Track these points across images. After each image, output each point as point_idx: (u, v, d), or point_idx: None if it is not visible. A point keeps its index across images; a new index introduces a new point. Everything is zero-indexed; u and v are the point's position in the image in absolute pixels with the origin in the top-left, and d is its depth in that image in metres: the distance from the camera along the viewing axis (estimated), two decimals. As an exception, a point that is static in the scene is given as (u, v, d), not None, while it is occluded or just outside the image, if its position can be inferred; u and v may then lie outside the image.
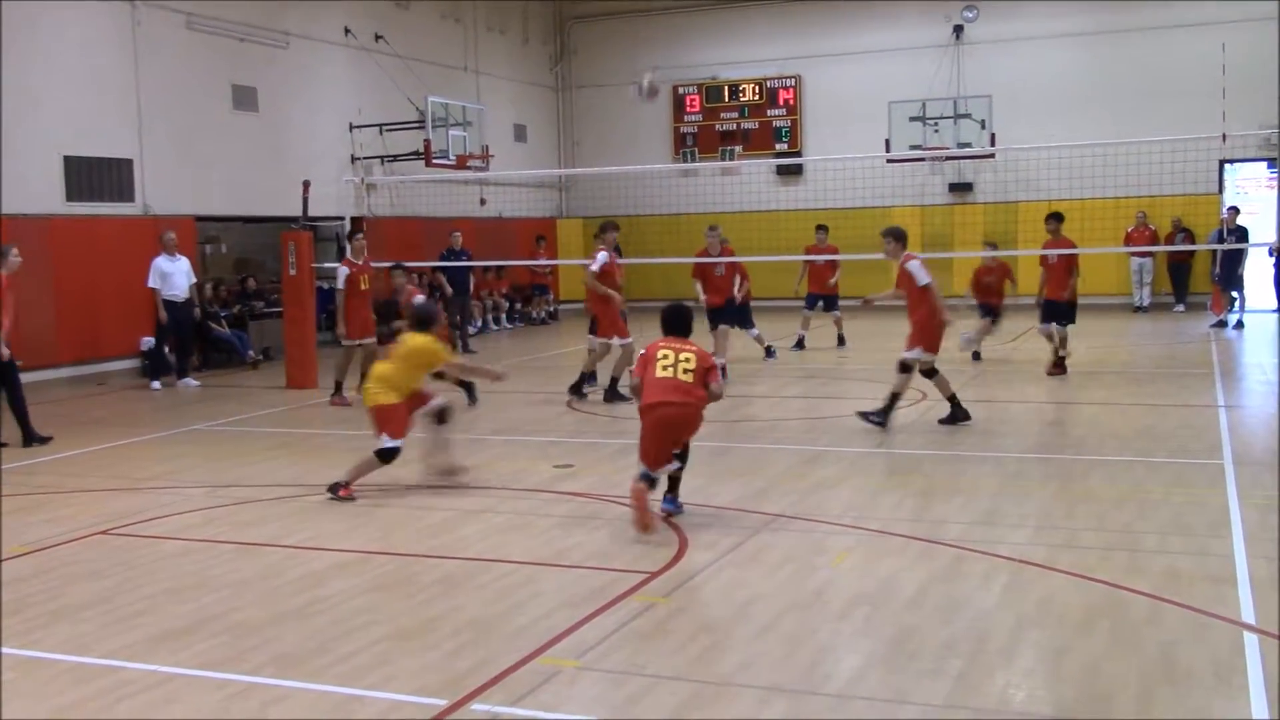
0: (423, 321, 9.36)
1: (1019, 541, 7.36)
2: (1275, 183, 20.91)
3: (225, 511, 8.73)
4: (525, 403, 14.25)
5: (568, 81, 30.10)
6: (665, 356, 7.93)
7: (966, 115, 23.93)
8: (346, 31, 22.54)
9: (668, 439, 7.87)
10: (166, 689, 5.26)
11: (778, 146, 28.02)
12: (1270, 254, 22.30)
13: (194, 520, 8.47)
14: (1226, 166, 24.53)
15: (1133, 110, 24.37)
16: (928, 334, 11.24)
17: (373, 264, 14.98)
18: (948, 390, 11.46)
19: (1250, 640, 5.55)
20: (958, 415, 11.40)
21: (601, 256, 13.61)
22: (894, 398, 11.22)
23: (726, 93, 28.43)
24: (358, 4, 22.83)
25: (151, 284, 16.28)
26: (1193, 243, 22.90)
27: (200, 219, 19.74)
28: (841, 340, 18.82)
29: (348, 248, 14.96)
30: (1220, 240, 20.77)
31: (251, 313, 19.67)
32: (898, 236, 11.45)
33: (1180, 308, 23.65)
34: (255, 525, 8.31)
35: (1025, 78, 25.58)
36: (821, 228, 19.27)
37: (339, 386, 14.24)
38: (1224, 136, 14.47)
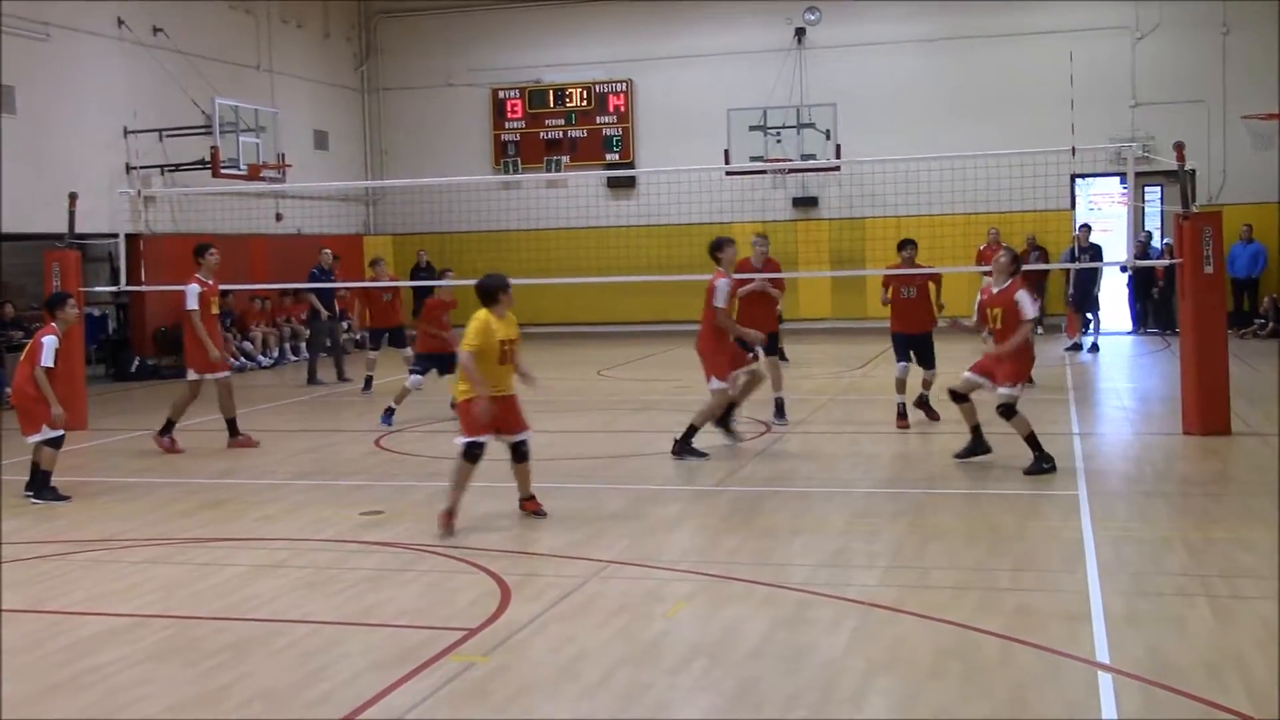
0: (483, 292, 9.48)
1: (867, 583, 7.59)
2: (1127, 198, 21.95)
3: (-23, 573, 8.37)
4: (329, 442, 14.05)
5: (374, 83, 29.85)
6: None
7: (810, 125, 24.54)
8: (119, 23, 21.94)
9: None
10: (-95, 781, 5.03)
11: (608, 157, 28.27)
12: (1123, 271, 23.47)
13: (-61, 584, 8.10)
14: (1079, 181, 25.75)
15: (983, 121, 25.37)
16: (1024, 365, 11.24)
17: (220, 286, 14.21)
18: (974, 419, 11.33)
19: (1104, 680, 5.84)
20: (978, 448, 11.36)
21: (722, 285, 12.16)
22: (1032, 439, 10.96)
23: (551, 98, 28.59)
24: (132, -8, 22.27)
25: None
26: (1047, 261, 23.89)
27: (-54, 236, 18.94)
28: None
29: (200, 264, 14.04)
30: (1073, 259, 21.66)
31: (9, 344, 18.90)
32: (1016, 259, 11.44)
33: (1038, 331, 24.61)
34: (14, 588, 7.98)
35: (871, 85, 26.38)
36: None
37: (170, 425, 13.41)
38: (1073, 150, 15.16)
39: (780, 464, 11.80)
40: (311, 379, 19.62)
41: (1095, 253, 21.70)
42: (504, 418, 9.33)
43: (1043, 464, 10.80)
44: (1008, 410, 10.89)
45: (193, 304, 13.31)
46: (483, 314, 9.29)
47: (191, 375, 13.39)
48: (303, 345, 24.24)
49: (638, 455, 12.54)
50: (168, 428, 13.34)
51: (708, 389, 12.08)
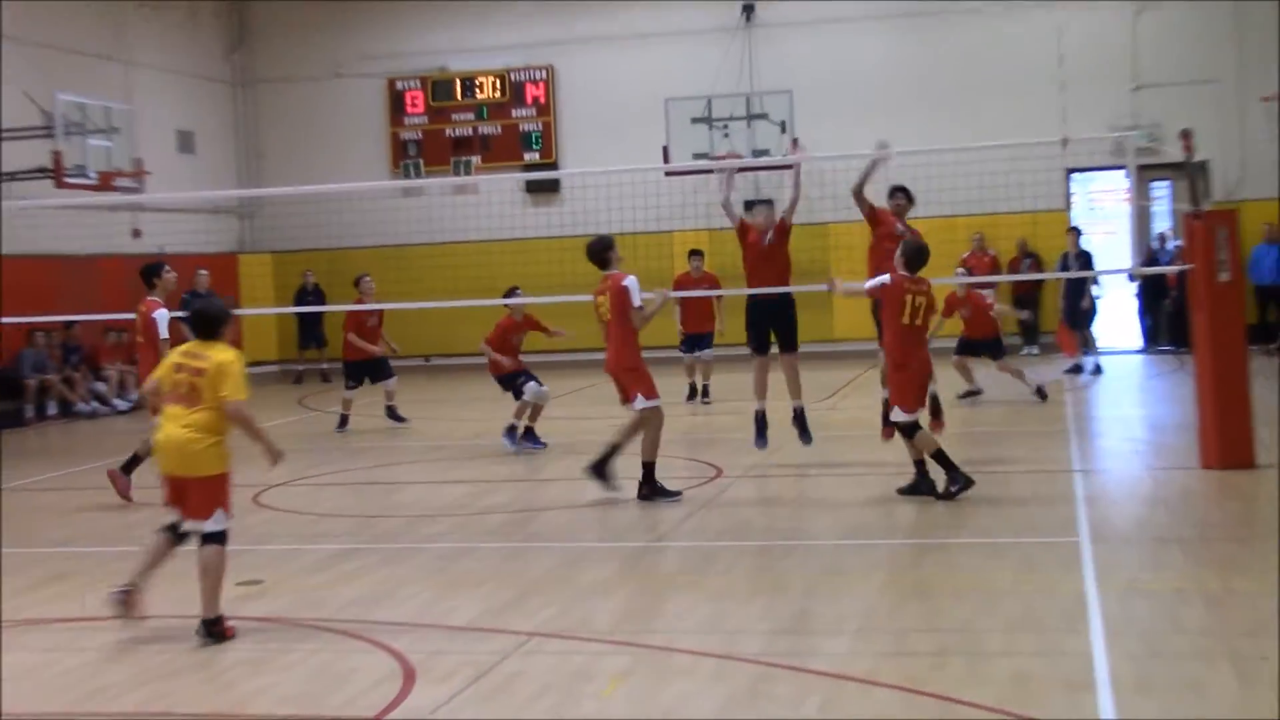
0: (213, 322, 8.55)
1: (836, 651, 7.60)
2: (1131, 195, 22.20)
3: None
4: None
5: (249, 74, 29.73)
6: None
7: (762, 115, 24.72)
8: (-60, 8, 21.76)
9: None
10: None
11: (527, 157, 28.29)
12: (1130, 280, 23.75)
13: None
14: (1075, 177, 26.03)
15: (962, 109, 25.52)
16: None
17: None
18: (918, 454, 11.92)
19: (1111, 758, 5.89)
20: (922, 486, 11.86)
21: (634, 281, 12.31)
22: (923, 462, 11.80)
23: (459, 88, 28.59)
24: (-45, -30, 22.07)
25: None
26: (1040, 270, 24.07)
27: None
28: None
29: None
30: (1065, 268, 21.70)
31: None
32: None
33: (1033, 350, 24.80)
34: None
35: (832, 69, 26.52)
36: None
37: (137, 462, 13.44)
38: (1064, 141, 15.36)
39: (733, 514, 11.81)
40: None
41: (1084, 260, 21.68)
42: None
43: (920, 488, 11.72)
44: (906, 430, 11.72)
45: (165, 332, 13.22)
46: (234, 351, 8.49)
47: None
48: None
49: (565, 507, 12.52)
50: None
51: (635, 410, 12.22)
